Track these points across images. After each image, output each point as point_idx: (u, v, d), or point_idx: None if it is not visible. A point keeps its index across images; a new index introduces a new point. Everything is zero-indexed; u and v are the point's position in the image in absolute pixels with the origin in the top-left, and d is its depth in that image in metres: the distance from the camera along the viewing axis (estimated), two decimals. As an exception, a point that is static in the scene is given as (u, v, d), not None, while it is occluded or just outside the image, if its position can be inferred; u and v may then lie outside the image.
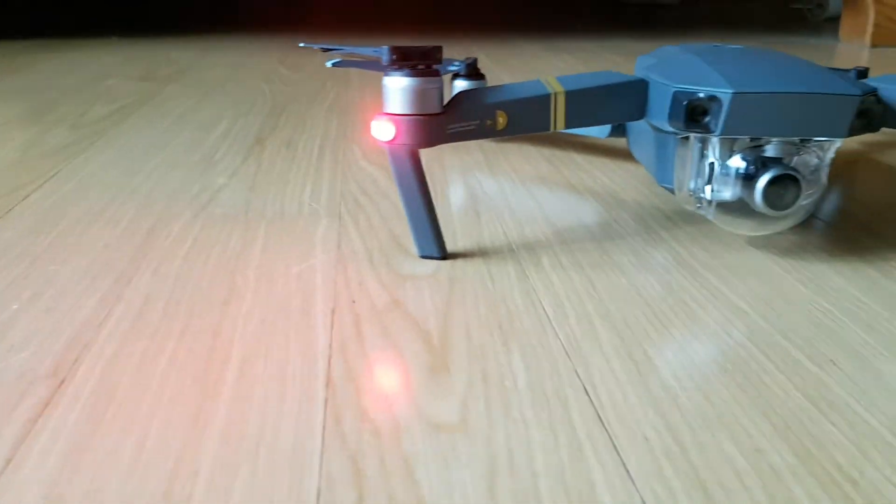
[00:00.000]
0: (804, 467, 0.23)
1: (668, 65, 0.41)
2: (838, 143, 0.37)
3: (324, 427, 0.25)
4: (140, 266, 0.38)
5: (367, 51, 0.38)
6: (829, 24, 1.69)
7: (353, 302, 0.34)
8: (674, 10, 2.06)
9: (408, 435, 0.25)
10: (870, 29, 1.26)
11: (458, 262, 0.39)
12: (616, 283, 0.37)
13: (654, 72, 0.40)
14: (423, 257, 0.39)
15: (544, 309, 0.34)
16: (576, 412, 0.26)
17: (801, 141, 0.36)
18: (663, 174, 0.44)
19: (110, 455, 0.24)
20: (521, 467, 0.23)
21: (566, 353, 0.30)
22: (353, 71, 1.01)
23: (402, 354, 0.30)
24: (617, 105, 0.40)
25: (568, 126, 0.40)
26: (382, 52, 0.35)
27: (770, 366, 0.29)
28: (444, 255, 0.39)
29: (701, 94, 0.36)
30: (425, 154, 0.60)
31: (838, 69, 0.56)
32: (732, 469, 0.23)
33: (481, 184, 0.52)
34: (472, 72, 0.61)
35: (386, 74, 0.36)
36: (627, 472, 0.23)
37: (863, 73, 0.58)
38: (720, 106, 0.35)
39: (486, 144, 0.63)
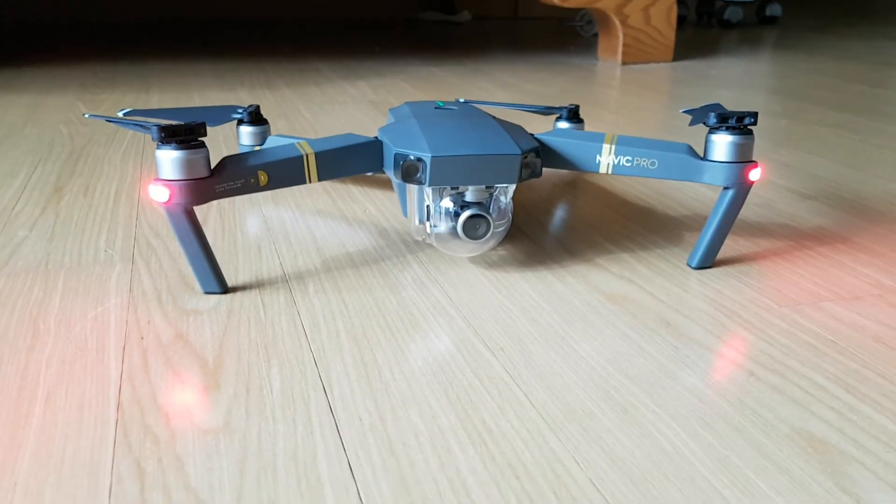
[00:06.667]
0: (461, 424, 0.35)
1: (396, 127, 0.53)
2: (514, 186, 0.49)
3: (114, 441, 0.33)
4: (-54, 323, 0.43)
5: (137, 128, 0.46)
6: (597, 39, 1.93)
7: (142, 338, 0.42)
8: (465, 26, 2.24)
9: (181, 439, 0.34)
10: (620, 49, 1.48)
11: (237, 295, 0.48)
12: (364, 301, 0.47)
13: (385, 133, 0.52)
14: (207, 293, 0.48)
15: (304, 329, 0.44)
16: (314, 407, 0.36)
17: (487, 187, 0.49)
18: (404, 209, 0.55)
19: (-63, 483, 0.30)
20: (266, 451, 0.33)
21: (315, 362, 0.40)
22: (151, 107, 1.05)
23: (181, 378, 0.38)
24: (359, 161, 0.51)
25: (321, 178, 0.50)
26: (152, 130, 0.43)
27: (458, 356, 0.41)
28: (225, 290, 0.48)
29: (411, 157, 0.47)
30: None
31: (522, 132, 0.57)
32: (413, 432, 0.34)
33: (266, 219, 0.61)
34: (256, 118, 0.69)
35: (157, 148, 0.44)
36: (342, 444, 0.34)
37: (573, 110, 0.73)
38: (425, 165, 0.47)
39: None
